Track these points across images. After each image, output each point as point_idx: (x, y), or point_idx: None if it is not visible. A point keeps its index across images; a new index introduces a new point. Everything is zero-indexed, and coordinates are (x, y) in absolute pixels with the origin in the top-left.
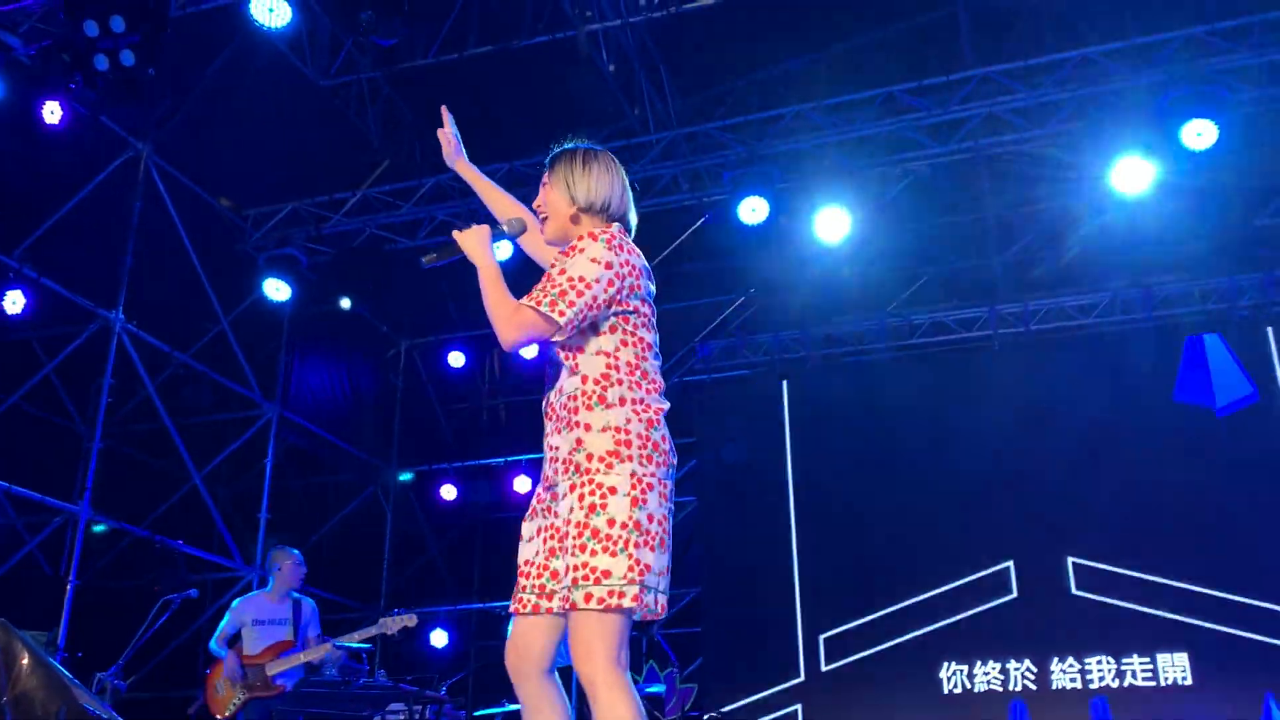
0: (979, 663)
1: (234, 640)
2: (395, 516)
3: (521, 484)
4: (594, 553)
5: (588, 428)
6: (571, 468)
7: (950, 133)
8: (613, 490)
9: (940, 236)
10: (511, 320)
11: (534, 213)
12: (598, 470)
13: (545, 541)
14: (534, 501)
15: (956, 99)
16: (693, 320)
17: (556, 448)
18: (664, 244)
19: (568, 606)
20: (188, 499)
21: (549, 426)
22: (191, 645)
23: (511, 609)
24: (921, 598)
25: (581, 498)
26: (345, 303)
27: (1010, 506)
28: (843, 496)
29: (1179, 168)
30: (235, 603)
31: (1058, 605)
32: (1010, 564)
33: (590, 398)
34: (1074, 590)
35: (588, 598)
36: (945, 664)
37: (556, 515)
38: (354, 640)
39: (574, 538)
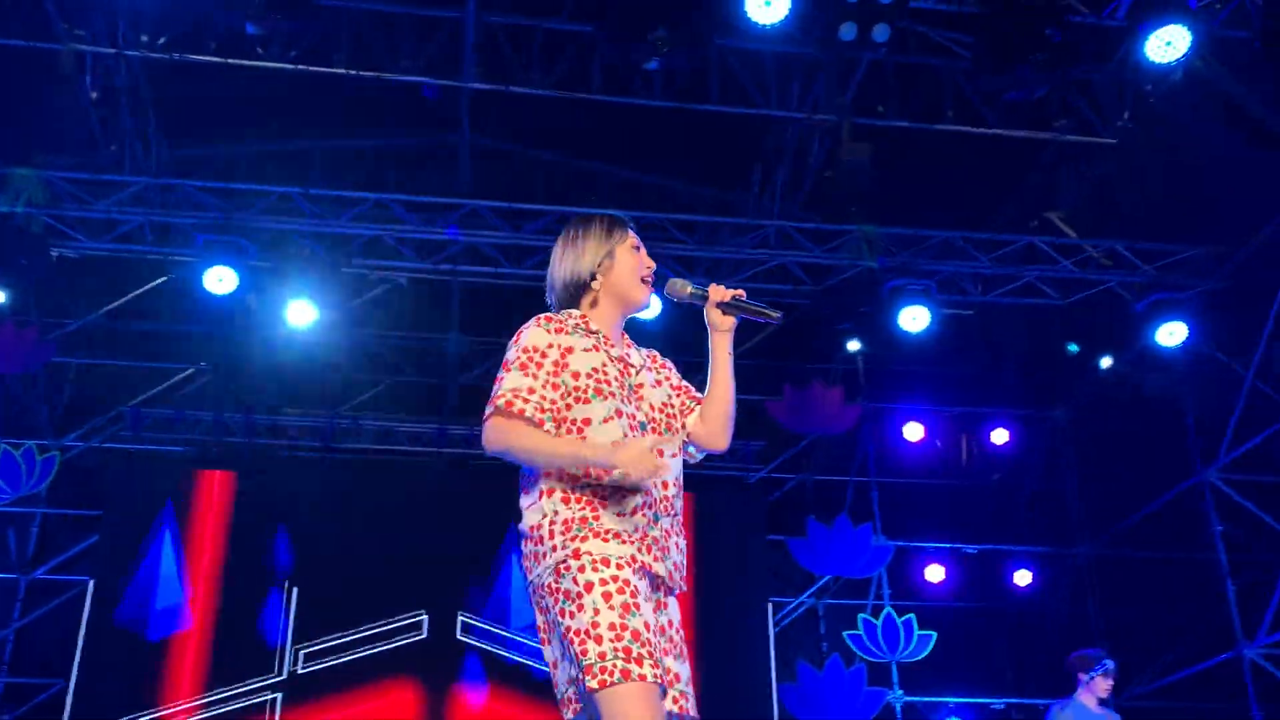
0: None
1: None
2: None
3: None
4: None
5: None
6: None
7: (434, 251)
8: None
9: (406, 349)
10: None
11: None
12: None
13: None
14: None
15: (446, 220)
16: (130, 382)
17: (682, 550)
18: (117, 294)
19: (691, 715)
20: None
21: (670, 524)
22: None
23: (655, 677)
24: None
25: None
26: None
27: None
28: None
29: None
30: None
31: None
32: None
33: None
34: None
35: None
36: None
37: (670, 622)
38: None
39: (682, 649)
